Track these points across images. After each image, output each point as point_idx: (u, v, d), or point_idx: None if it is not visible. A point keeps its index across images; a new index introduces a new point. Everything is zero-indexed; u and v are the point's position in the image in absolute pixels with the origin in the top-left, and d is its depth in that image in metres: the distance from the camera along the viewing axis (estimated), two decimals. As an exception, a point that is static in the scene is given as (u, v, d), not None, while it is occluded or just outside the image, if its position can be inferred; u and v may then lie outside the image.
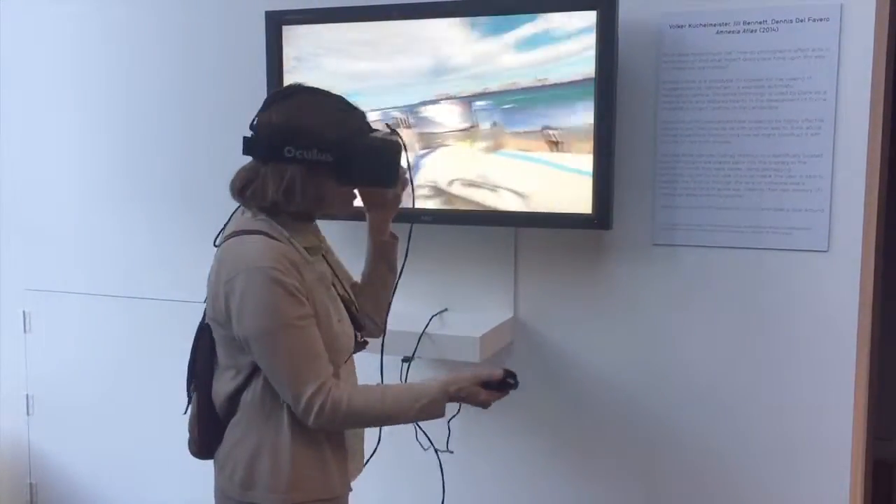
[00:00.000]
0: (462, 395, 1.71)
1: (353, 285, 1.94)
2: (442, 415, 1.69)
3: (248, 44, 2.59)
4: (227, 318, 1.64)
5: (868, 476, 2.55)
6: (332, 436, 1.72)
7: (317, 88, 1.72)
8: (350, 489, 1.79)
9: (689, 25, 2.23)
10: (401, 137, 1.75)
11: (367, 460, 1.91)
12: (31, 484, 3.23)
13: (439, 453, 2.14)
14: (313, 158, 1.62)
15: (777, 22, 2.15)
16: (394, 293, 1.94)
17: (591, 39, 2.15)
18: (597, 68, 2.16)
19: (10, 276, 3.17)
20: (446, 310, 2.49)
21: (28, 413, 3.20)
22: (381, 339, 1.94)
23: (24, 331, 3.16)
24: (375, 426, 1.80)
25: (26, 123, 3.07)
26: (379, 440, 1.95)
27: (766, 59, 2.17)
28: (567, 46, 2.18)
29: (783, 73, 2.16)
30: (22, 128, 3.08)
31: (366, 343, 1.87)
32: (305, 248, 1.70)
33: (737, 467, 2.32)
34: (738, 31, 2.18)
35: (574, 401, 2.46)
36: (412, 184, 1.87)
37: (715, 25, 2.20)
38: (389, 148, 1.69)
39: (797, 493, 2.27)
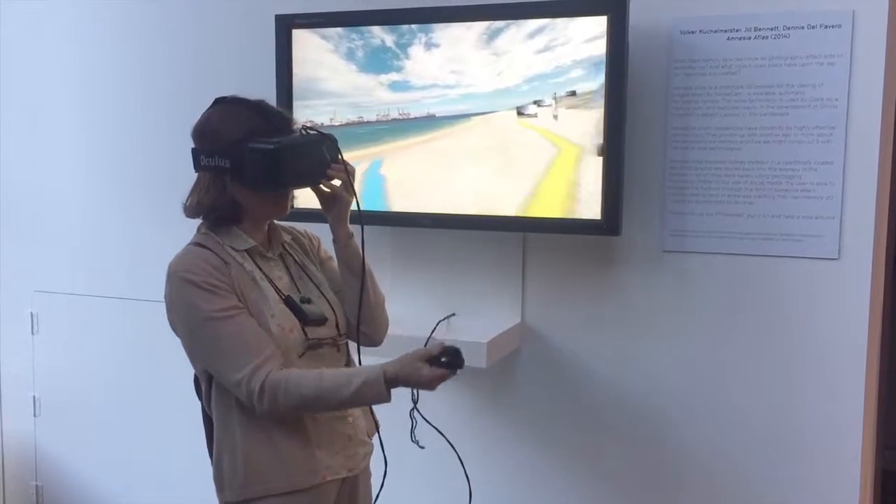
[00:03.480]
0: (403, 375, 1.60)
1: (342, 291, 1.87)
2: (385, 399, 1.61)
3: (259, 47, 2.59)
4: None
5: (877, 486, 2.53)
6: (283, 427, 1.69)
7: (236, 97, 1.73)
8: (335, 477, 1.75)
9: (700, 31, 2.22)
10: (326, 138, 1.73)
11: (385, 471, 1.86)
12: (37, 486, 3.23)
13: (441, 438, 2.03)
14: (214, 164, 1.66)
15: (788, 28, 2.14)
16: (361, 298, 1.79)
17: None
18: (607, 73, 2.16)
19: (18, 277, 3.17)
20: (454, 315, 2.48)
21: (35, 415, 3.20)
22: (356, 343, 1.82)
23: (32, 332, 3.17)
24: (318, 410, 1.70)
25: (36, 125, 3.08)
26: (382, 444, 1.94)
27: (777, 66, 2.16)
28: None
29: (794, 80, 2.15)
30: (32, 130, 3.09)
31: (320, 342, 1.75)
32: (246, 251, 1.71)
33: (745, 476, 2.30)
34: (750, 38, 2.18)
35: (581, 406, 2.45)
36: (352, 184, 1.76)
37: (726, 31, 2.20)
38: (275, 152, 1.62)
39: (805, 502, 2.25)
